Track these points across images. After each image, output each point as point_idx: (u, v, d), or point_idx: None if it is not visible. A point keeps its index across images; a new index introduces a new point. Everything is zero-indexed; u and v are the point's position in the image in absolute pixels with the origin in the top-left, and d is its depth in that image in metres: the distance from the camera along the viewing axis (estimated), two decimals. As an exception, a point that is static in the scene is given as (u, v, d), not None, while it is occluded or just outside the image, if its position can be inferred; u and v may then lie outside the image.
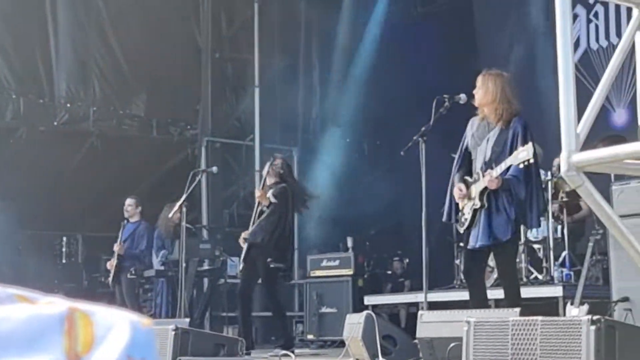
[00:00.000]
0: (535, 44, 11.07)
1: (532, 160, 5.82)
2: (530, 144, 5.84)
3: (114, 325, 1.14)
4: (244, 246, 8.58)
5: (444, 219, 6.43)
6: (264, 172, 8.80)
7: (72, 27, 11.98)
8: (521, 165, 5.88)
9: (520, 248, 8.97)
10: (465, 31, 12.87)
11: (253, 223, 8.61)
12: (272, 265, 8.42)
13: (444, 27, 13.03)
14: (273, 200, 8.47)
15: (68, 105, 12.00)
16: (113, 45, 12.27)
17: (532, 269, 8.98)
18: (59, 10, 11.86)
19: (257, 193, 8.63)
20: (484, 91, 6.13)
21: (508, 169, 5.97)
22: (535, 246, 9.13)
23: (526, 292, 7.97)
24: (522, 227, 8.84)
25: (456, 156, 6.37)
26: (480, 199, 6.09)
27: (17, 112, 11.62)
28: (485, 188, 6.07)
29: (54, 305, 1.17)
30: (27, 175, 11.52)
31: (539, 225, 6.83)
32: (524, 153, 5.83)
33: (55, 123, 11.92)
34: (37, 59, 11.73)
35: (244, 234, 8.68)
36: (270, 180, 8.67)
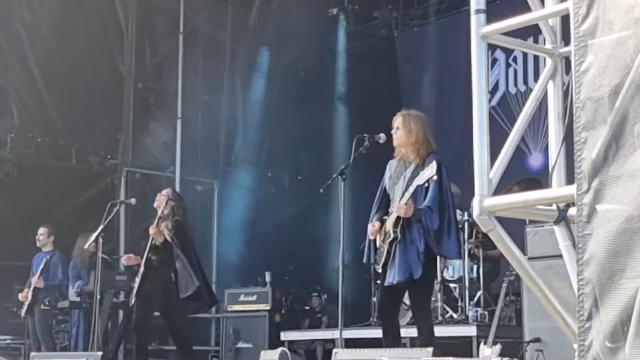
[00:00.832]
0: (457, 84, 11.28)
1: (435, 177, 5.89)
2: (434, 162, 5.93)
3: None
4: (139, 278, 8.45)
5: (364, 260, 6.47)
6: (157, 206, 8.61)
7: (-9, 51, 11.79)
8: (427, 184, 5.95)
9: (437, 287, 9.08)
10: (388, 71, 13.07)
11: (145, 257, 8.45)
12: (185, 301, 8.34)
13: (367, 66, 13.22)
14: (172, 238, 8.34)
15: (-16, 131, 11.76)
16: (33, 70, 12.09)
17: (447, 308, 9.07)
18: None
19: (152, 230, 8.45)
20: (406, 132, 6.21)
21: (421, 197, 6.04)
22: (451, 285, 9.25)
23: (441, 331, 8.07)
24: (438, 266, 9.01)
25: (375, 198, 6.43)
26: (394, 231, 6.13)
27: None
28: (398, 219, 6.11)
29: None
30: (-61, 202, 11.25)
31: (459, 256, 6.90)
32: (428, 171, 5.92)
33: (-30, 149, 11.66)
34: (-48, 83, 11.50)
35: (131, 258, 8.59)
36: (160, 211, 8.53)
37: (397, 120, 6.29)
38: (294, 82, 13.66)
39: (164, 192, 8.70)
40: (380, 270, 6.26)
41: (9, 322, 12.03)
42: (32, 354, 8.28)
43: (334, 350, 5.81)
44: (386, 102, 11.79)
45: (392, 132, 6.29)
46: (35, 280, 10.34)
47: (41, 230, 10.60)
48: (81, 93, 12.34)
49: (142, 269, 8.43)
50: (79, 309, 10.99)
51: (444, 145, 9.73)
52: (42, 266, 10.48)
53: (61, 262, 10.68)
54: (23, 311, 10.46)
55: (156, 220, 8.42)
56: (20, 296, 10.59)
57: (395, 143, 6.28)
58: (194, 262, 8.43)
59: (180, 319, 8.60)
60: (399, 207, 6.03)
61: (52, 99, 12.21)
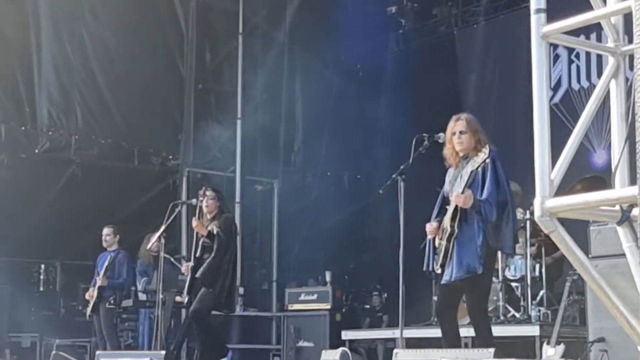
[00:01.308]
0: (517, 82, 11.17)
1: (488, 160, 5.84)
2: (486, 146, 5.89)
3: None
4: (188, 276, 8.51)
5: (424, 268, 6.40)
6: (202, 203, 8.63)
7: (55, 54, 11.98)
8: (479, 168, 5.90)
9: (498, 286, 9.01)
10: (447, 69, 12.99)
11: (194, 256, 8.54)
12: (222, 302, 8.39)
13: (425, 65, 13.15)
14: (217, 232, 8.38)
15: (50, 133, 11.97)
16: (96, 73, 12.28)
17: (509, 308, 8.99)
18: (42, 38, 11.87)
19: (194, 223, 8.50)
20: (472, 135, 6.16)
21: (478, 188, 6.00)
22: (513, 284, 9.17)
23: (503, 331, 8.02)
24: (500, 265, 8.94)
25: (435, 204, 6.39)
26: (452, 226, 6.08)
27: (-2, 140, 11.59)
28: (455, 214, 6.07)
29: None
30: (7, 202, 11.46)
31: (513, 251, 6.83)
32: (481, 155, 5.86)
33: (37, 150, 11.88)
34: (19, 86, 11.71)
35: (187, 265, 8.63)
36: (210, 214, 8.57)
37: (460, 124, 6.21)
38: (353, 81, 13.67)
39: (209, 194, 8.63)
40: (439, 271, 6.21)
41: (74, 320, 12.28)
42: (98, 352, 8.41)
43: (395, 351, 5.80)
44: (446, 101, 11.73)
45: (453, 137, 6.21)
46: (100, 279, 10.51)
47: (106, 230, 10.74)
48: (143, 94, 12.51)
49: (191, 264, 8.49)
50: (143, 307, 11.14)
51: (505, 143, 9.70)
52: (106, 264, 10.65)
53: (126, 261, 10.82)
54: (89, 310, 10.63)
55: (197, 213, 8.44)
56: (87, 295, 10.77)
57: (459, 148, 6.19)
58: (228, 261, 8.46)
59: (206, 311, 8.56)
60: (457, 196, 5.96)
61: (114, 101, 12.39)
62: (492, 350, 4.92)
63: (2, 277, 11.72)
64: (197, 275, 8.31)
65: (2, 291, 11.46)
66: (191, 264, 8.51)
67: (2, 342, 11.29)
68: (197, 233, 8.53)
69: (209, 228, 8.41)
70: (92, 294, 10.67)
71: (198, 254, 8.49)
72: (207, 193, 8.60)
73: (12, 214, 11.38)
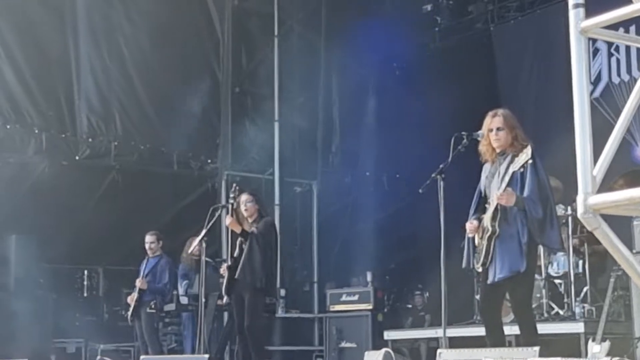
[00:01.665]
0: (556, 77, 11.08)
1: (530, 161, 5.79)
2: (528, 147, 5.84)
3: None
4: (225, 277, 8.51)
5: (463, 265, 6.39)
6: (238, 204, 8.62)
7: (93, 61, 12.10)
8: (524, 172, 5.85)
9: (541, 283, 8.94)
10: (484, 66, 12.91)
11: (231, 256, 8.55)
12: (267, 302, 8.37)
13: (462, 62, 13.08)
14: (258, 235, 8.38)
15: (90, 140, 12.09)
16: (134, 79, 12.38)
17: (553, 305, 8.92)
18: (80, 46, 11.99)
19: (228, 220, 8.48)
20: (509, 131, 6.14)
21: (519, 186, 5.95)
22: (557, 281, 9.09)
23: (547, 328, 7.95)
24: (542, 261, 8.87)
25: (472, 201, 6.37)
26: (492, 225, 6.05)
27: (40, 147, 11.71)
28: (496, 213, 6.04)
29: None
30: (49, 210, 11.60)
31: (561, 246, 6.77)
32: (522, 156, 5.82)
33: (77, 158, 12.00)
34: (59, 94, 11.84)
35: (225, 266, 8.63)
36: (251, 218, 8.56)
37: (497, 121, 6.20)
38: (389, 80, 13.63)
39: (247, 198, 8.61)
40: (480, 270, 6.18)
41: (118, 325, 12.37)
42: (142, 357, 8.47)
43: (439, 351, 5.77)
44: (484, 98, 11.66)
45: (490, 133, 6.19)
46: (139, 281, 10.57)
47: (149, 238, 10.79)
48: (180, 99, 12.59)
49: (228, 265, 8.50)
50: (185, 311, 11.20)
51: (545, 139, 9.61)
52: (148, 270, 10.72)
53: (168, 266, 10.87)
54: (129, 314, 10.71)
55: (231, 211, 8.44)
56: (128, 299, 10.85)
57: (497, 144, 6.17)
58: (271, 261, 8.47)
59: (263, 319, 8.57)
60: (499, 196, 5.92)
61: (152, 107, 12.48)
62: (536, 348, 4.88)
63: (47, 284, 11.83)
64: (237, 275, 8.31)
65: (47, 298, 11.57)
66: (228, 263, 8.53)
67: (48, 348, 11.41)
68: (231, 233, 8.54)
69: (252, 229, 8.40)
70: (132, 297, 10.75)
71: (235, 253, 8.50)
72: (244, 197, 8.58)
73: (54, 221, 11.51)
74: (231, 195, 8.57)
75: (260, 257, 8.32)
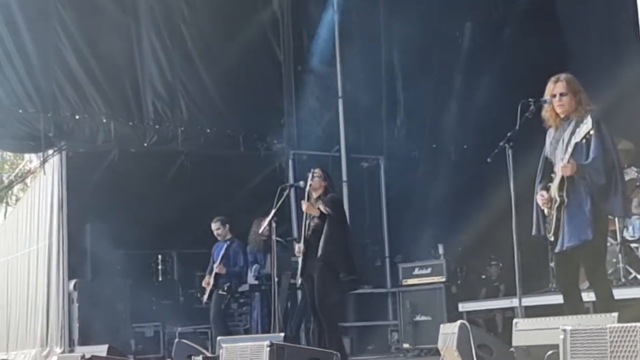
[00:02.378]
0: (624, 37, 10.82)
1: (592, 132, 5.72)
2: (589, 117, 5.76)
3: None
4: (300, 258, 8.55)
5: (533, 232, 6.36)
6: (308, 185, 8.66)
7: (156, 48, 12.18)
8: (588, 139, 5.76)
9: (617, 248, 8.78)
10: (548, 30, 12.68)
11: (304, 237, 8.57)
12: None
13: (526, 27, 12.86)
14: (328, 211, 8.39)
15: (157, 126, 12.21)
16: (197, 63, 12.45)
17: (630, 269, 8.77)
18: (143, 33, 12.09)
19: (304, 205, 8.52)
20: (572, 96, 6.06)
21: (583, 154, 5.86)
22: (633, 245, 8.92)
23: (625, 293, 7.81)
24: (617, 226, 8.71)
25: (538, 168, 6.31)
26: (560, 195, 6.01)
27: (108, 136, 11.87)
28: (562, 182, 6.00)
29: None
30: (121, 197, 11.78)
31: (625, 213, 6.67)
32: (584, 127, 5.74)
33: (145, 144, 12.14)
34: (124, 82, 11.97)
35: (299, 246, 8.66)
36: (316, 193, 8.60)
37: (560, 86, 6.14)
38: (452, 50, 13.47)
39: (316, 172, 8.70)
40: (552, 239, 6.14)
41: (194, 308, 12.55)
42: (218, 338, 8.55)
43: (515, 321, 5.72)
44: (548, 63, 11.44)
45: (553, 99, 6.11)
46: (217, 267, 10.70)
47: (214, 225, 10.97)
48: (243, 81, 12.61)
49: (302, 248, 8.54)
50: (258, 291, 11.29)
51: (617, 100, 9.42)
52: (222, 253, 10.84)
53: (241, 249, 11.00)
54: (205, 297, 10.85)
55: (306, 196, 8.48)
56: (203, 282, 10.98)
57: (560, 110, 6.14)
58: (344, 236, 8.49)
59: (334, 297, 8.60)
60: (562, 167, 5.92)
61: (216, 90, 12.54)
62: (615, 314, 4.79)
63: (122, 270, 12.04)
64: (319, 253, 8.33)
65: (124, 284, 11.78)
66: (302, 246, 8.56)
67: (127, 333, 11.63)
68: (306, 215, 8.57)
69: (321, 208, 8.43)
70: (208, 282, 10.89)
71: (308, 235, 8.53)
72: (314, 171, 8.65)
73: (126, 208, 11.70)
74: (309, 183, 8.63)
75: (335, 236, 8.36)
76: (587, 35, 12.15)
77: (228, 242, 10.99)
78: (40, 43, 11.36)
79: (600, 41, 12.01)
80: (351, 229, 8.94)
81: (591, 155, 5.91)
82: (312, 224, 8.50)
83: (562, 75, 6.21)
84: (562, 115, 6.16)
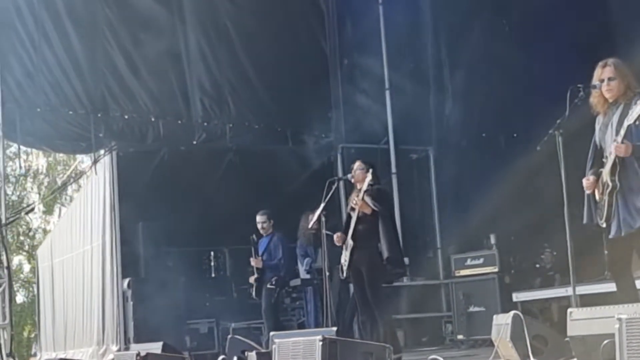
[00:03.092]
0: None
1: None
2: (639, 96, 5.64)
3: None
4: (347, 252, 8.55)
5: (585, 221, 6.27)
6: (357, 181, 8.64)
7: (202, 46, 12.25)
8: (637, 122, 5.67)
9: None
10: (597, 12, 12.45)
11: (352, 231, 8.53)
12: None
13: (574, 10, 12.64)
14: (375, 205, 8.36)
15: (205, 124, 12.28)
16: (242, 60, 12.48)
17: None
18: (189, 32, 12.16)
19: (358, 203, 8.47)
20: (621, 80, 5.97)
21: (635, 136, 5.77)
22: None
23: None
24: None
25: (589, 154, 6.22)
26: (612, 180, 5.91)
27: (158, 135, 11.96)
28: (615, 166, 5.89)
29: None
30: (171, 194, 11.87)
31: None
32: (637, 108, 5.64)
33: (194, 142, 12.21)
34: (172, 81, 12.05)
35: (340, 236, 8.63)
36: (360, 185, 8.55)
37: (608, 71, 6.05)
38: (499, 37, 13.31)
39: (356, 165, 8.67)
40: (604, 225, 6.04)
41: (247, 303, 12.58)
42: (271, 333, 8.57)
43: (569, 310, 5.63)
44: (597, 47, 11.25)
45: (601, 84, 6.02)
46: (254, 260, 10.77)
47: (259, 218, 11.00)
48: (290, 76, 12.61)
49: (350, 242, 8.53)
50: (310, 285, 11.31)
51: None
52: (263, 248, 10.90)
53: (280, 243, 11.01)
54: (253, 292, 10.89)
55: (361, 193, 8.44)
56: (250, 279, 11.03)
57: (609, 95, 6.06)
58: (395, 230, 8.48)
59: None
60: (617, 146, 5.81)
61: (262, 86, 12.56)
62: (672, 302, 4.70)
63: (176, 267, 12.14)
64: (385, 256, 8.32)
65: (177, 281, 11.85)
66: (349, 240, 8.55)
67: (182, 330, 11.72)
68: (350, 209, 8.59)
69: (370, 205, 8.40)
70: (254, 277, 10.94)
71: (358, 228, 8.53)
72: (356, 164, 8.64)
73: (177, 206, 11.78)
74: (350, 177, 8.64)
75: (388, 231, 8.35)
76: (634, 17, 11.90)
77: (270, 237, 11.05)
78: (88, 45, 11.49)
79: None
80: (402, 220, 8.91)
81: None
82: (362, 217, 8.48)
83: (610, 60, 6.11)
84: (610, 100, 6.07)
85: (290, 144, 12.78)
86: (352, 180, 8.65)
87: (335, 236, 8.78)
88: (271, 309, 10.80)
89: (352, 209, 8.59)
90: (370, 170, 8.46)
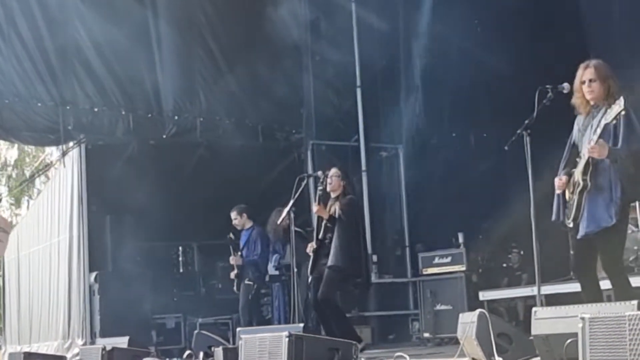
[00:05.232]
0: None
1: (624, 112, 5.64)
2: (621, 99, 5.68)
3: None
4: (311, 258, 8.63)
5: (553, 218, 6.31)
6: (324, 185, 8.70)
7: (175, 41, 12.18)
8: (617, 124, 5.70)
9: (638, 235, 8.70)
10: (571, 13, 12.52)
11: (317, 237, 8.59)
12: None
13: (548, 11, 12.72)
14: (340, 215, 8.42)
15: (175, 117, 12.23)
16: (216, 56, 12.44)
17: (652, 256, 8.69)
18: (160, 25, 12.08)
19: (315, 208, 8.58)
20: (602, 82, 5.99)
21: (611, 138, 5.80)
22: (655, 232, 8.85)
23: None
24: (638, 215, 8.62)
25: (564, 154, 6.25)
26: (584, 179, 5.95)
27: (127, 128, 11.90)
28: (587, 166, 5.93)
29: None
30: (140, 189, 11.79)
31: None
32: (615, 107, 5.67)
33: (164, 136, 12.16)
34: (143, 75, 11.97)
35: (311, 245, 8.70)
36: (334, 193, 8.63)
37: (589, 72, 6.07)
38: (471, 37, 13.36)
39: (334, 172, 8.73)
40: (571, 225, 6.08)
41: (215, 299, 12.58)
42: (239, 329, 8.58)
43: (534, 309, 5.68)
44: (569, 45, 11.33)
45: (583, 85, 6.04)
46: (232, 259, 10.75)
47: (232, 214, 11.00)
48: (262, 71, 12.58)
49: (314, 246, 8.61)
50: (278, 282, 11.30)
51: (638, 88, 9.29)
52: (243, 243, 10.88)
53: (259, 237, 10.98)
54: (235, 288, 10.87)
55: (317, 198, 8.53)
56: (231, 274, 10.99)
57: (590, 96, 6.07)
58: (355, 241, 8.52)
59: (332, 293, 8.68)
60: (591, 148, 5.81)
61: (235, 80, 12.52)
62: (635, 302, 4.75)
63: (144, 262, 12.09)
64: (329, 263, 8.39)
65: (145, 276, 11.81)
66: (314, 245, 8.63)
67: (148, 325, 11.67)
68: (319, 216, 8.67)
69: (331, 211, 8.48)
70: (234, 273, 10.92)
71: (321, 235, 8.61)
72: (332, 171, 8.69)
73: (146, 199, 11.70)
74: (319, 187, 8.69)
75: (345, 241, 8.40)
76: (609, 17, 11.98)
77: (249, 231, 11.01)
78: (59, 37, 11.37)
79: (620, 25, 11.85)
80: (370, 218, 8.94)
81: (620, 139, 5.82)
82: (327, 224, 8.55)
83: (593, 62, 6.14)
84: (592, 102, 6.08)
85: (260, 140, 12.76)
86: (328, 189, 8.66)
87: (309, 246, 8.83)
88: (248, 305, 10.76)
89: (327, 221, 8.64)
90: (345, 183, 8.55)
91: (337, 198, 8.60)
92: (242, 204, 11.18)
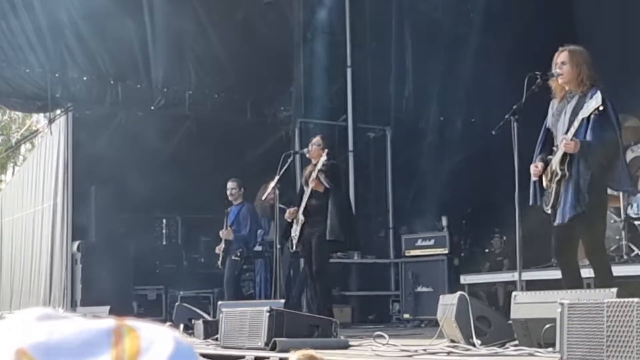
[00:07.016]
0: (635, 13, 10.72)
1: (601, 107, 5.67)
2: (598, 93, 5.73)
3: (159, 339, 1.20)
4: (298, 226, 8.66)
5: (530, 202, 6.37)
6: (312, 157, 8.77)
7: (167, 12, 12.12)
8: (592, 116, 5.75)
9: (621, 225, 8.77)
10: (561, 4, 12.55)
11: (304, 206, 8.62)
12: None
13: (538, 1, 12.74)
14: (328, 184, 8.47)
15: (164, 89, 12.20)
16: (207, 29, 12.40)
17: (633, 247, 8.76)
18: (154, -1, 12.03)
19: (312, 183, 8.60)
20: (573, 66, 6.06)
21: (586, 130, 5.85)
22: (636, 222, 8.91)
23: (627, 270, 7.82)
24: (622, 203, 8.69)
25: (538, 139, 6.30)
26: (561, 169, 6.01)
27: (116, 98, 11.88)
28: (565, 156, 5.99)
29: (103, 320, 1.24)
30: (127, 160, 11.76)
31: (633, 189, 6.68)
32: (593, 102, 5.72)
33: (152, 107, 12.13)
34: (134, 45, 11.92)
35: (292, 212, 8.71)
36: (314, 160, 8.68)
37: (562, 55, 6.16)
38: (463, 23, 13.36)
39: (315, 141, 8.77)
40: (549, 212, 6.15)
41: (197, 272, 12.60)
42: (219, 302, 8.60)
43: (514, 294, 5.73)
44: (559, 36, 11.33)
45: (556, 68, 6.11)
46: (223, 232, 10.71)
47: (230, 184, 10.86)
48: (253, 47, 12.55)
49: (301, 217, 8.62)
50: (261, 257, 11.32)
51: (628, 76, 9.34)
52: (232, 218, 10.83)
53: (249, 213, 10.93)
54: (219, 263, 10.83)
55: (315, 172, 8.53)
56: (217, 249, 10.94)
57: (560, 80, 6.12)
58: (349, 211, 8.59)
59: (328, 264, 8.75)
60: (566, 143, 5.89)
61: (225, 55, 12.50)
62: (614, 290, 4.79)
63: (127, 233, 12.09)
64: (328, 237, 8.43)
65: (128, 247, 11.81)
66: (300, 215, 8.65)
67: (129, 296, 11.68)
68: (304, 183, 8.70)
69: (324, 183, 8.50)
70: (220, 247, 10.88)
71: (309, 204, 8.63)
72: (314, 139, 8.71)
73: (132, 171, 11.67)
74: (307, 150, 8.74)
75: (337, 210, 8.44)
76: (598, 9, 12.02)
77: (239, 207, 10.97)
78: (50, 4, 11.30)
79: (610, 14, 11.89)
80: (355, 198, 8.99)
81: (594, 132, 5.88)
82: (314, 192, 8.56)
83: (570, 46, 6.21)
84: (566, 87, 6.13)
85: (248, 116, 12.74)
86: (308, 155, 8.71)
87: (287, 212, 8.84)
88: (233, 280, 10.74)
89: (306, 183, 8.66)
90: (326, 151, 8.55)
91: (315, 165, 8.62)
92: (228, 178, 11.14)
